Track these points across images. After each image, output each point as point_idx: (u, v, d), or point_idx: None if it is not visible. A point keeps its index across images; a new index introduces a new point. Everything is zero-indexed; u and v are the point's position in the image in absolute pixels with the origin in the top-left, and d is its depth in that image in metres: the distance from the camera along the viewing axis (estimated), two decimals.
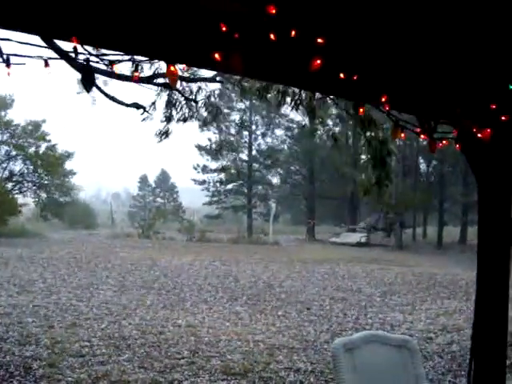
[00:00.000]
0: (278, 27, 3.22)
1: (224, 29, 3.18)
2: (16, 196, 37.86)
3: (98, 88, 10.78)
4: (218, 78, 10.90)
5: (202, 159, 49.94)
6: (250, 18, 3.28)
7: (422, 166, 46.75)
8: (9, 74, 3.36)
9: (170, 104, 10.39)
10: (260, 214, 51.83)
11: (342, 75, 3.68)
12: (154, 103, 10.26)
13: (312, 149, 45.47)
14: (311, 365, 8.25)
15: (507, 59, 4.17)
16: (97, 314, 11.57)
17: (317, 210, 49.81)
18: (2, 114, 37.57)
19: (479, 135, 4.53)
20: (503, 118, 4.43)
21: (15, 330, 9.69)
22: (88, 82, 3.66)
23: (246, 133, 48.54)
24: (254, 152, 49.13)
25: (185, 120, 10.73)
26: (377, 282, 17.70)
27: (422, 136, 5.21)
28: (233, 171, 48.96)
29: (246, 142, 48.79)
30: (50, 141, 39.32)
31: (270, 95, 9.53)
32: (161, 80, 10.19)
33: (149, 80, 10.11)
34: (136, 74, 4.96)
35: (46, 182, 40.81)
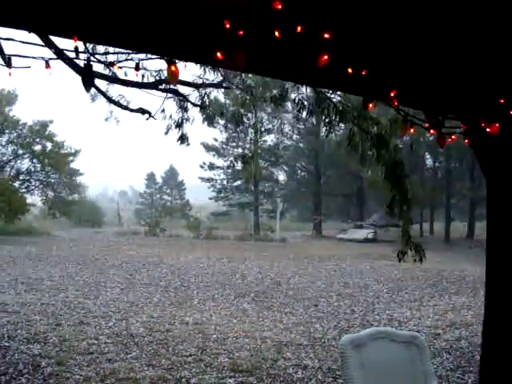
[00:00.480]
0: (283, 23, 3.19)
1: (228, 26, 3.15)
2: (24, 195, 37.94)
3: (103, 94, 10.79)
4: (224, 84, 10.93)
5: (209, 156, 50.05)
6: (255, 13, 3.25)
7: (429, 162, 46.58)
8: (10, 74, 3.36)
9: (182, 109, 10.39)
10: (266, 211, 51.80)
11: (350, 70, 3.64)
12: (163, 110, 10.24)
13: (318, 145, 45.38)
14: (319, 361, 8.23)
15: None
16: (104, 311, 11.58)
17: (323, 206, 49.75)
18: (7, 109, 37.62)
19: (488, 130, 4.50)
20: None
21: (23, 328, 9.71)
22: (88, 82, 3.65)
23: (251, 130, 48.46)
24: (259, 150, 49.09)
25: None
26: (384, 279, 17.67)
27: (431, 131, 5.17)
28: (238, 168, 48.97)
29: (251, 138, 48.74)
30: (56, 142, 39.38)
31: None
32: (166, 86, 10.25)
33: (155, 86, 10.12)
34: (137, 72, 4.92)
35: (52, 180, 40.89)
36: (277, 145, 49.54)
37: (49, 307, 11.76)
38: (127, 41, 3.57)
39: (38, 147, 38.71)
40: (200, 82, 10.48)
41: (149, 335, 9.58)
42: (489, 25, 3.76)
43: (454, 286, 16.50)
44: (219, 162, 50.53)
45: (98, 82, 10.22)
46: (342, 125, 9.59)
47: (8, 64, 3.35)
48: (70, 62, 8.33)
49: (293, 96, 9.31)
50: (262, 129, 48.72)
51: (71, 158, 41.01)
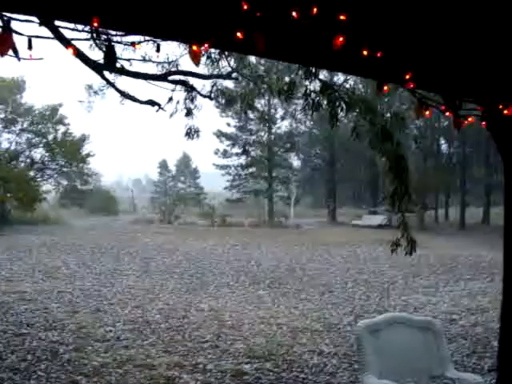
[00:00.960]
0: (299, 4, 3.16)
1: (245, 7, 3.13)
2: (39, 183, 38.10)
3: (113, 86, 10.80)
4: (233, 75, 10.96)
5: (222, 145, 50.01)
6: None
7: (444, 147, 46.34)
8: (31, 56, 3.36)
9: (190, 99, 10.41)
10: (281, 197, 51.74)
11: (365, 52, 3.61)
12: (175, 101, 10.26)
13: (332, 131, 45.22)
14: (334, 347, 8.24)
15: None
16: (120, 299, 11.66)
17: (338, 192, 49.66)
18: (18, 97, 37.66)
19: (505, 112, 4.44)
20: None
21: (41, 316, 9.80)
22: (110, 62, 3.66)
23: (265, 116, 48.36)
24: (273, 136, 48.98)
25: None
26: (399, 264, 17.62)
27: (447, 113, 5.12)
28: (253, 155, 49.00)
29: (265, 125, 48.67)
30: (68, 124, 39.29)
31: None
32: (175, 77, 10.29)
33: (164, 77, 10.16)
34: (157, 54, 4.96)
35: (66, 169, 40.95)
36: (291, 131, 49.35)
37: (66, 295, 11.85)
38: (145, 26, 3.56)
39: (51, 136, 38.72)
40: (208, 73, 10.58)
41: (165, 322, 9.63)
42: (507, 5, 3.71)
43: (469, 272, 16.42)
44: (233, 150, 50.48)
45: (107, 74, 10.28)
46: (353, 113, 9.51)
47: (29, 46, 3.35)
48: (83, 57, 8.37)
49: (301, 90, 9.29)
50: (277, 115, 48.65)
51: (84, 146, 40.97)
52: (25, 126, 37.89)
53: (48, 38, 4.81)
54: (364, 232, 32.96)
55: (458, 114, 4.91)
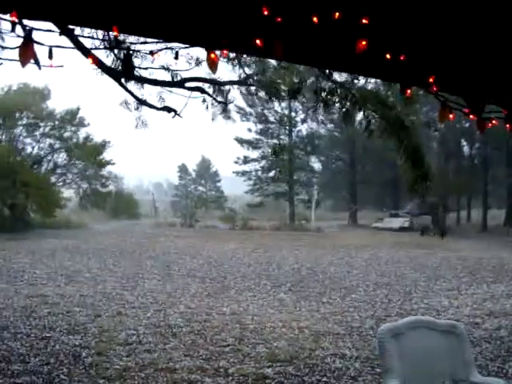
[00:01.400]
0: (320, 9, 3.16)
1: (266, 13, 3.13)
2: (60, 188, 38.41)
3: (131, 93, 10.89)
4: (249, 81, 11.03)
5: (243, 150, 50.08)
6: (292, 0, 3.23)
7: (465, 149, 46.01)
8: (51, 64, 3.39)
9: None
10: (302, 200, 51.68)
11: (388, 56, 3.60)
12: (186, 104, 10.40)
13: (353, 134, 45.11)
14: (357, 351, 8.20)
15: None
16: (142, 302, 11.70)
17: (359, 195, 49.52)
18: (44, 106, 38.01)
19: None
20: None
21: (63, 320, 9.85)
22: (127, 71, 3.69)
23: (285, 119, 48.39)
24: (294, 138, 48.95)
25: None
26: (421, 267, 17.51)
27: (471, 116, 5.08)
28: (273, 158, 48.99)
29: (286, 128, 48.67)
30: (88, 124, 39.58)
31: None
32: (192, 84, 10.39)
33: (180, 84, 10.24)
34: (176, 61, 4.99)
35: (87, 173, 41.18)
36: (312, 134, 49.29)
37: (88, 298, 11.92)
38: (165, 31, 3.57)
39: (72, 141, 39.02)
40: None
41: (186, 325, 9.64)
42: None
43: (492, 275, 16.28)
44: (254, 154, 50.53)
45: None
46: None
47: (49, 56, 3.38)
48: (100, 64, 8.44)
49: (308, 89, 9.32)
50: (297, 119, 48.63)
51: (104, 150, 41.17)
52: (46, 130, 38.22)
53: (68, 47, 4.85)
54: (385, 235, 32.83)
55: (481, 117, 4.87)
